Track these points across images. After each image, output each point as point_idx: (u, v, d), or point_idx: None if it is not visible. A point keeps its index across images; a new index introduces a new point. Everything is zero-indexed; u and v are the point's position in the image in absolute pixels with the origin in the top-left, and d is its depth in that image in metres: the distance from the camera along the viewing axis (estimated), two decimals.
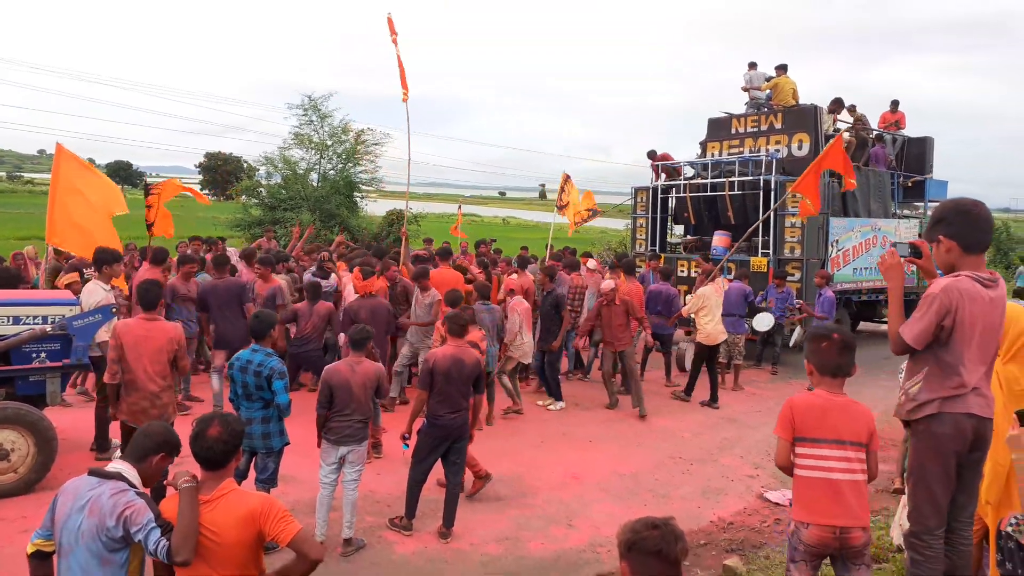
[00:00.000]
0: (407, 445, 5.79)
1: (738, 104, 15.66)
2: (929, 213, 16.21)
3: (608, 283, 9.40)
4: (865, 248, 13.50)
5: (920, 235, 14.80)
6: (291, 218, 20.33)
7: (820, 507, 3.51)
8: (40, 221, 9.10)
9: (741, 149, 14.51)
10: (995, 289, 3.59)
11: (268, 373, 5.13)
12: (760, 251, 12.79)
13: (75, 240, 8.32)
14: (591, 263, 11.76)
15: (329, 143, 22.75)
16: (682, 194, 14.64)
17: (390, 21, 9.93)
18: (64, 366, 6.43)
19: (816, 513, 3.52)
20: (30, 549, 2.97)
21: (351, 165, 22.97)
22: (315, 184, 22.51)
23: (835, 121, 14.25)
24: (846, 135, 13.94)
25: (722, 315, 10.47)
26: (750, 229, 11.21)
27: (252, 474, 5.40)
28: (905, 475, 4.23)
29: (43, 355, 6.34)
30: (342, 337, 8.59)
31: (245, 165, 33.33)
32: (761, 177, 12.86)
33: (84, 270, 8.74)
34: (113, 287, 7.27)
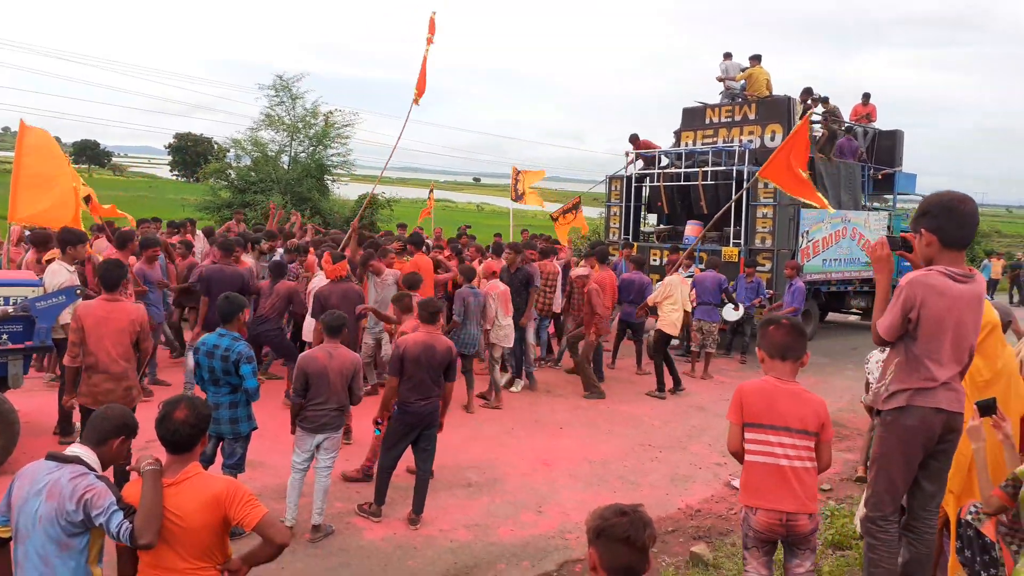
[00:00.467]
0: (379, 431, 5.76)
1: (713, 94, 15.74)
2: (898, 205, 16.49)
3: (580, 271, 9.44)
4: (835, 239, 13.66)
5: (890, 227, 15.04)
6: (262, 200, 20.11)
7: (766, 492, 3.53)
8: (3, 201, 8.86)
9: (715, 139, 14.59)
10: (970, 284, 3.58)
11: (236, 358, 5.06)
12: (732, 241, 12.89)
13: (42, 214, 8.08)
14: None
15: (300, 126, 22.51)
16: (656, 183, 14.69)
17: (432, 21, 9.61)
18: (26, 348, 6.29)
19: (763, 498, 3.54)
20: None
21: (322, 148, 22.76)
22: (286, 167, 22.27)
23: (807, 110, 14.38)
24: (817, 126, 14.07)
25: (697, 304, 10.54)
26: (717, 215, 11.25)
27: (219, 460, 5.34)
28: (868, 463, 4.30)
29: (4, 337, 6.20)
30: (308, 324, 8.49)
31: (215, 147, 32.81)
32: (734, 167, 12.94)
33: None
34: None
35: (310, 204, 21.14)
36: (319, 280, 8.36)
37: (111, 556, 3.02)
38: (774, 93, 14.27)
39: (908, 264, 3.89)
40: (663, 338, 9.88)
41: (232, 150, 23.46)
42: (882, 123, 16.53)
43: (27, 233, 9.33)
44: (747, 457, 3.62)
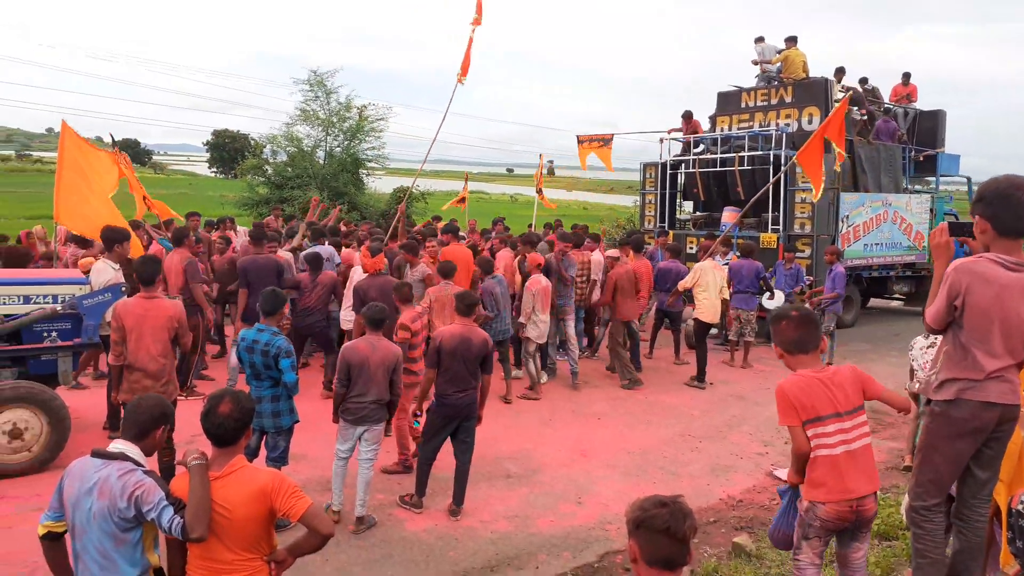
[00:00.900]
0: (417, 423, 5.81)
1: (747, 78, 15.52)
2: (941, 187, 16.13)
3: (612, 252, 9.49)
4: (876, 223, 13.39)
5: (932, 210, 14.72)
6: (299, 195, 20.30)
7: (833, 483, 3.51)
8: (49, 200, 9.06)
9: (751, 123, 14.37)
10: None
11: (275, 352, 5.13)
12: (770, 227, 12.70)
13: (81, 220, 8.32)
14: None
15: (335, 120, 22.66)
16: (691, 169, 14.53)
17: (479, 2, 9.61)
18: (75, 345, 6.46)
19: (831, 490, 3.52)
20: (41, 531, 2.99)
21: (357, 142, 22.90)
22: (321, 162, 22.46)
23: (846, 90, 14.17)
24: (855, 108, 13.78)
25: (734, 292, 10.41)
26: (752, 200, 11.09)
27: (263, 453, 5.43)
28: (915, 451, 4.22)
29: (54, 334, 6.37)
30: (344, 313, 8.59)
31: (252, 143, 33.23)
32: (771, 152, 12.75)
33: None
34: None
35: (346, 198, 21.31)
36: (358, 273, 8.43)
37: (164, 546, 3.09)
38: (811, 75, 14.01)
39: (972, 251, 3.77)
40: (702, 327, 9.78)
41: (268, 146, 23.71)
42: (923, 103, 16.16)
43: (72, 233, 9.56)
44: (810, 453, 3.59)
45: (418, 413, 5.74)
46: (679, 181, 15.13)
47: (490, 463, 6.66)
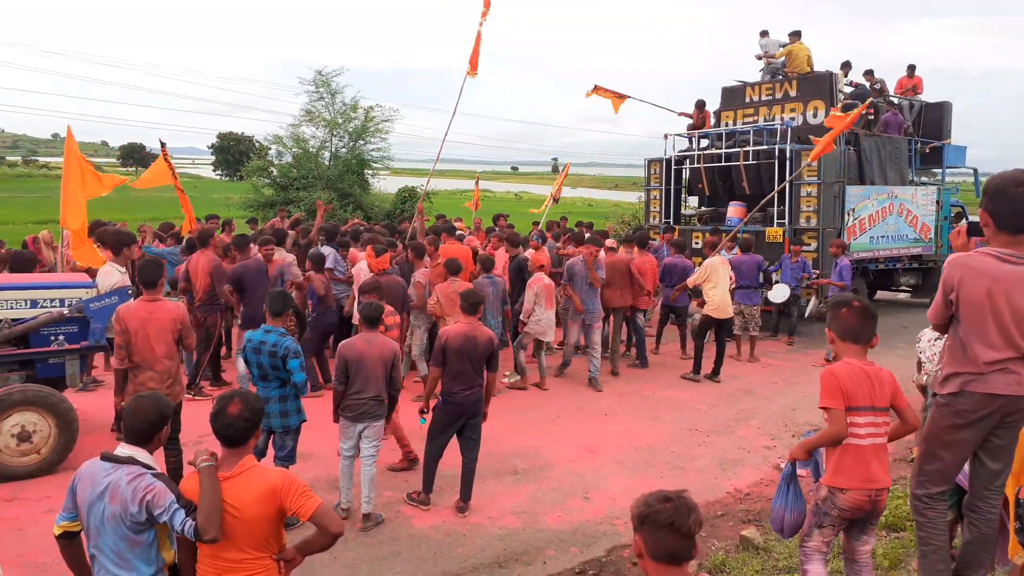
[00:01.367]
0: (424, 420, 5.82)
1: (750, 72, 15.47)
2: (947, 179, 16.07)
3: (610, 243, 9.64)
4: (882, 216, 13.33)
5: (939, 202, 14.66)
6: (304, 197, 20.32)
7: (858, 472, 3.59)
8: (55, 205, 9.11)
9: (756, 118, 14.33)
10: (1022, 265, 3.44)
11: (284, 353, 5.15)
12: (776, 221, 12.67)
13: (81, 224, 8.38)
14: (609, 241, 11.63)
15: (340, 121, 22.66)
16: (696, 165, 14.50)
17: None
18: (82, 348, 6.49)
19: (855, 478, 3.59)
20: (57, 531, 3.03)
21: (362, 143, 22.90)
22: (327, 163, 22.46)
23: (853, 84, 14.15)
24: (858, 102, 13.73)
25: (736, 287, 10.38)
26: (763, 201, 11.09)
27: (270, 453, 5.45)
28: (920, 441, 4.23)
29: (61, 338, 6.41)
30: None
31: (257, 145, 33.26)
32: (776, 146, 12.71)
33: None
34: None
35: (352, 199, 21.33)
36: (364, 272, 8.44)
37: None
38: (815, 69, 13.96)
39: None
40: (707, 322, 9.76)
41: (274, 147, 23.72)
42: (929, 94, 16.09)
43: None
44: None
45: (424, 411, 5.75)
46: (684, 177, 15.09)
47: (497, 460, 6.67)
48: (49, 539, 3.07)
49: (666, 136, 15.10)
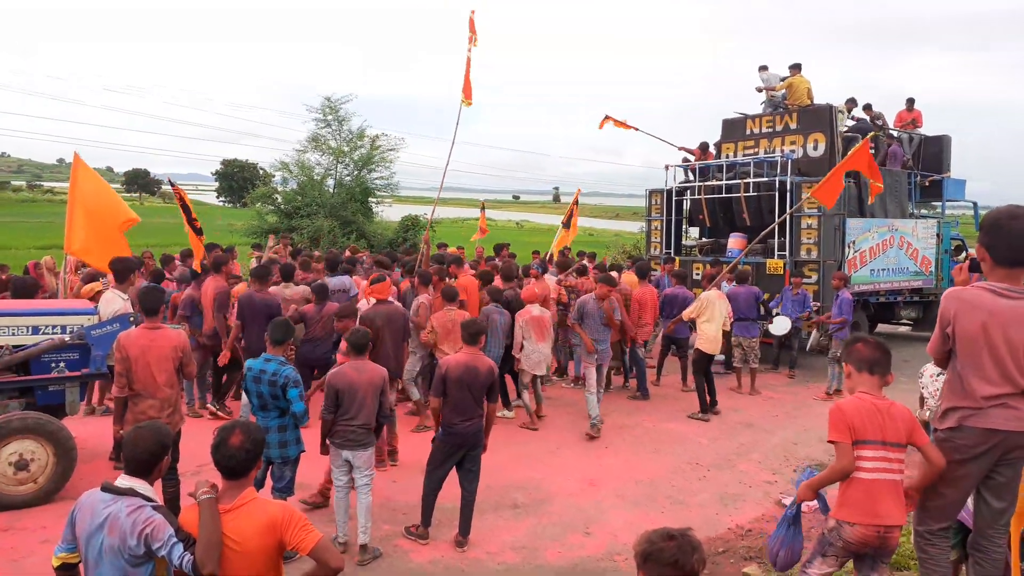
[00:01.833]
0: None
1: (750, 105, 15.59)
2: (947, 212, 16.13)
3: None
4: (882, 249, 13.37)
5: (939, 235, 14.71)
6: (307, 224, 20.40)
7: (868, 507, 3.57)
8: (59, 230, 9.15)
9: (756, 150, 14.42)
10: (1020, 300, 3.46)
11: (283, 382, 5.14)
12: (776, 253, 12.71)
13: (91, 251, 8.40)
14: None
15: (346, 148, 22.82)
16: (697, 196, 14.57)
17: (471, 21, 9.55)
18: (83, 375, 6.48)
19: (862, 513, 3.57)
20: (55, 563, 3.01)
21: (367, 171, 23.04)
22: (331, 191, 22.57)
23: (856, 120, 14.25)
24: (860, 136, 13.83)
25: (734, 320, 10.34)
26: (763, 233, 11.12)
27: (268, 483, 5.41)
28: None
29: (62, 365, 6.39)
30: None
31: (261, 172, 33.50)
32: (777, 178, 12.78)
33: (101, 279, 8.85)
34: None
35: (355, 227, 21.41)
36: (364, 302, 8.43)
37: None
38: (815, 101, 14.09)
39: None
40: (703, 357, 9.67)
41: (278, 174, 23.87)
42: (928, 128, 16.21)
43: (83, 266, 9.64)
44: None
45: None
46: (685, 207, 15.17)
47: (497, 493, 6.62)
48: (45, 570, 3.04)
49: (667, 167, 15.20)
